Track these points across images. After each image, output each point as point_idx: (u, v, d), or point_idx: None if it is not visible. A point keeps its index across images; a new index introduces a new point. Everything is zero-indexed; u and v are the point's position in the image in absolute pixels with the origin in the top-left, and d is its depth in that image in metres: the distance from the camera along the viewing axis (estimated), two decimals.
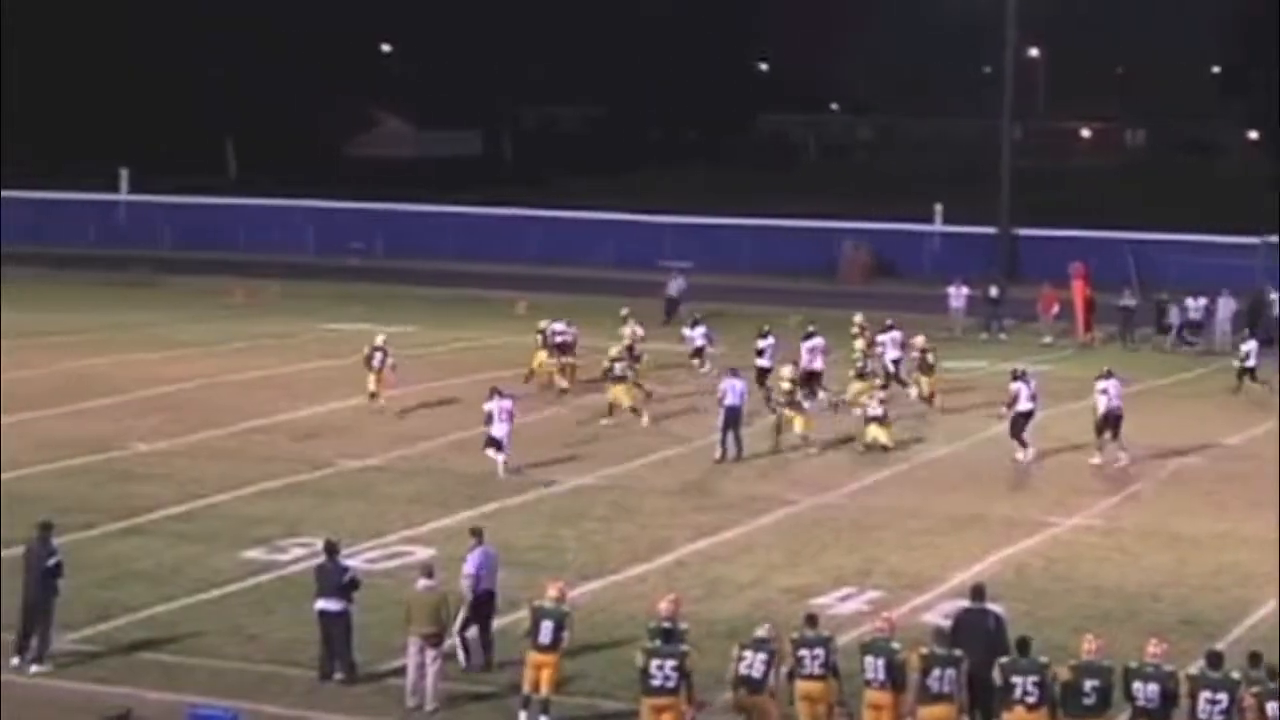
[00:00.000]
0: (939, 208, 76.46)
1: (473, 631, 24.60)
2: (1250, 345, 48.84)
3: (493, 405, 36.63)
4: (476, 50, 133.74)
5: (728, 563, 30.48)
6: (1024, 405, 38.71)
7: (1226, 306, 57.21)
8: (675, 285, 61.85)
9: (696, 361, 49.11)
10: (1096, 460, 38.33)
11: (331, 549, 24.72)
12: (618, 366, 42.25)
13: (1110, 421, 38.35)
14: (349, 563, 25.38)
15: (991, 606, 22.86)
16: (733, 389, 38.62)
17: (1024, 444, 38.65)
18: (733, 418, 38.26)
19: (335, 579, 24.26)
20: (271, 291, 65.59)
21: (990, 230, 72.55)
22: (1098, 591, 29.03)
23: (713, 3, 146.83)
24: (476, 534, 25.30)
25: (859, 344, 46.09)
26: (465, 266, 73.41)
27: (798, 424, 39.08)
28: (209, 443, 39.25)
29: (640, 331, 48.05)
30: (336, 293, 65.23)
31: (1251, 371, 47.84)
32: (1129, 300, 57.97)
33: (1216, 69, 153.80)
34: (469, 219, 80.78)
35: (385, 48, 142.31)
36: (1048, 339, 56.90)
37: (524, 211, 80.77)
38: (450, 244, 78.26)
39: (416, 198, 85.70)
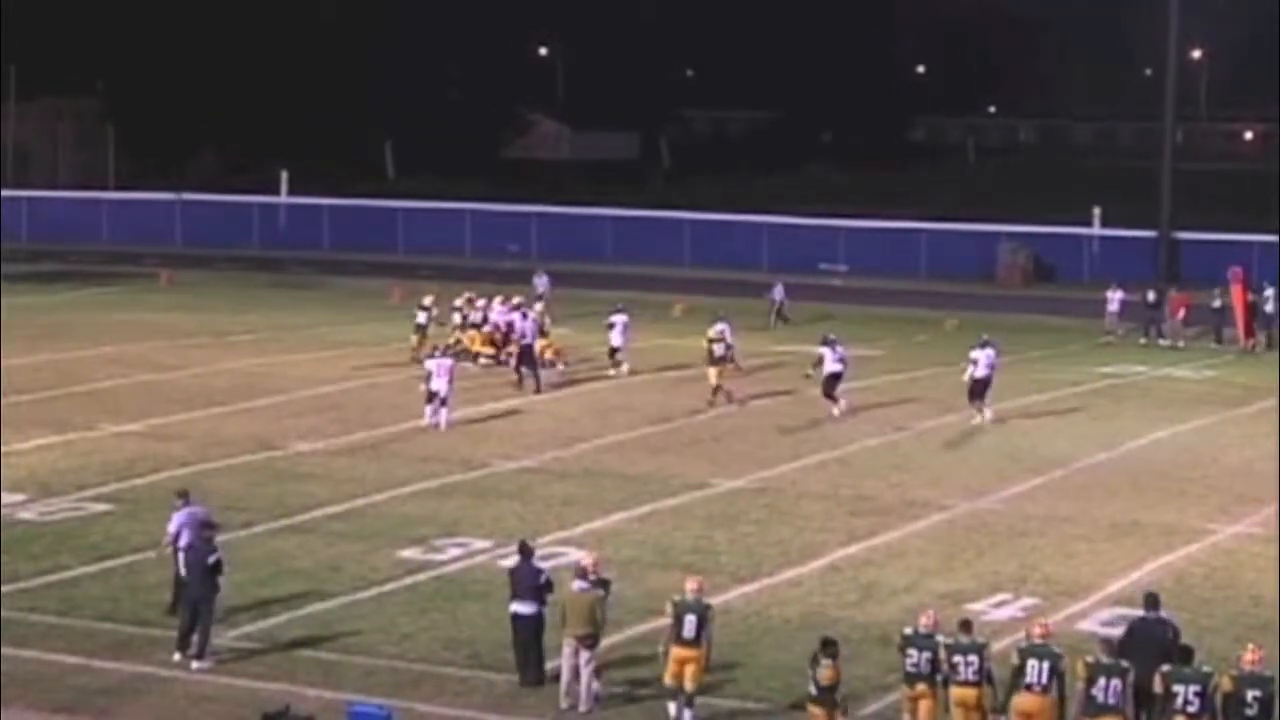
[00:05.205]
0: (1097, 211, 75.71)
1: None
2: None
3: (432, 364, 41.22)
4: (631, 53, 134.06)
5: (881, 567, 30.35)
6: (831, 367, 42.61)
7: None
8: (540, 282, 60.20)
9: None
10: (976, 420, 42.16)
11: (526, 551, 24.53)
12: (716, 349, 44.50)
13: (979, 387, 42.42)
14: (541, 564, 25.15)
15: (1166, 616, 22.49)
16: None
17: (835, 400, 42.62)
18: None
19: (530, 581, 24.10)
20: (429, 292, 65.80)
21: (1150, 234, 71.75)
22: (1259, 600, 28.62)
23: (870, 6, 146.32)
24: (183, 495, 26.99)
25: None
26: (621, 268, 73.56)
27: (476, 344, 49.60)
28: (367, 443, 39.60)
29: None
30: (493, 294, 65.38)
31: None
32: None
33: None
34: (625, 221, 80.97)
35: (542, 50, 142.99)
36: (1180, 343, 56.01)
37: (680, 214, 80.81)
38: (606, 246, 78.49)
39: (572, 199, 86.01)
